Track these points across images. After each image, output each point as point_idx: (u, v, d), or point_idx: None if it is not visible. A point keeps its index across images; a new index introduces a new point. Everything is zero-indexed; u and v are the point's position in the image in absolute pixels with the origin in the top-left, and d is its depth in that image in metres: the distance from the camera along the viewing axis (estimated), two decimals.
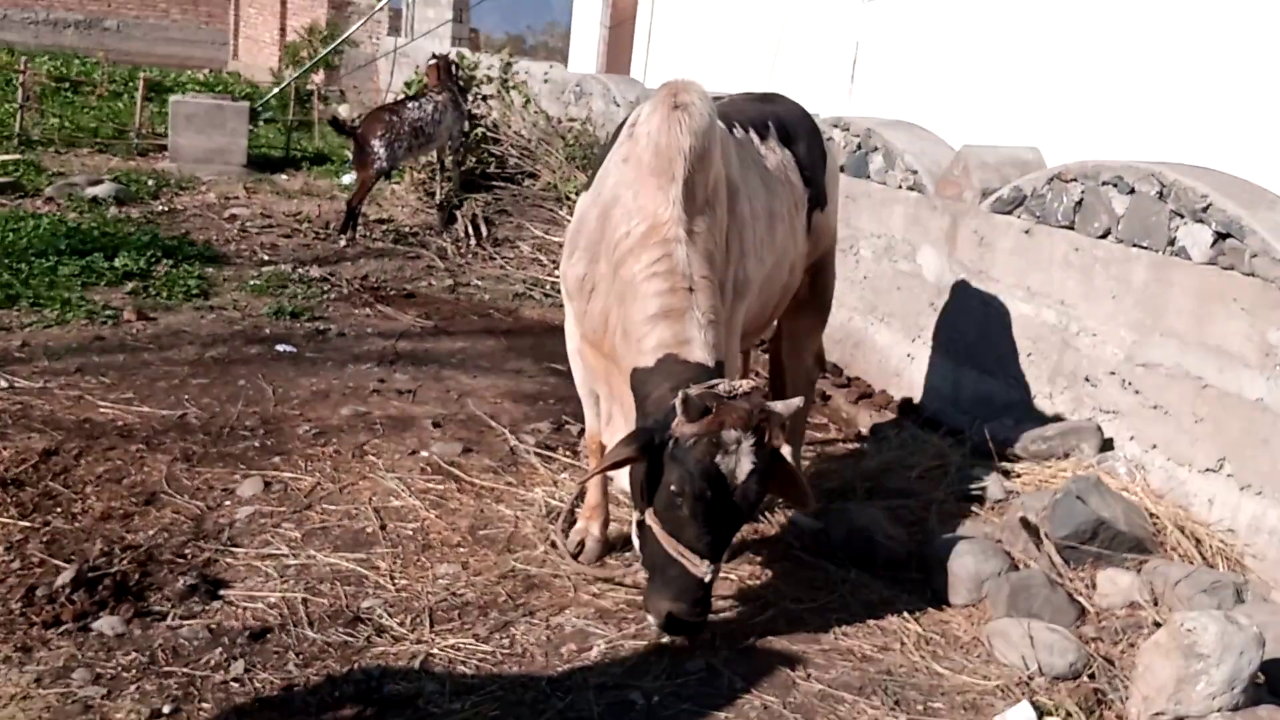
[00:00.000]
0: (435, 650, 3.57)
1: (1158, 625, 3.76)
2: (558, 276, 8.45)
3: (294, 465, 4.84)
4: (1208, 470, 4.67)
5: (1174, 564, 4.29)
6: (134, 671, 3.32)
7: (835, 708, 3.44)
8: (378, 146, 9.11)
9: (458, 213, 9.32)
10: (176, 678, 3.31)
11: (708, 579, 3.45)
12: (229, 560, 4.04)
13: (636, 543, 3.68)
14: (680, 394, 3.33)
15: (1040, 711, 3.48)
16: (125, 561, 3.90)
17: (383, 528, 4.36)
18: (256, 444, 5.03)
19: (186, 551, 4.06)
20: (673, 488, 3.37)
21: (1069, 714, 3.48)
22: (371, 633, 3.65)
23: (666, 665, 3.58)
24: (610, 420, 3.99)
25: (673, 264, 3.63)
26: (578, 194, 8.87)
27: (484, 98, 10.19)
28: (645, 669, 3.55)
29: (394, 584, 3.96)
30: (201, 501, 4.46)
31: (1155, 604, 4.12)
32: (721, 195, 3.88)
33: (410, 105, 9.43)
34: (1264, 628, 3.84)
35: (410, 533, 4.36)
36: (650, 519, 3.48)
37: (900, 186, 6.50)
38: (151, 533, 4.16)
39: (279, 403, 5.55)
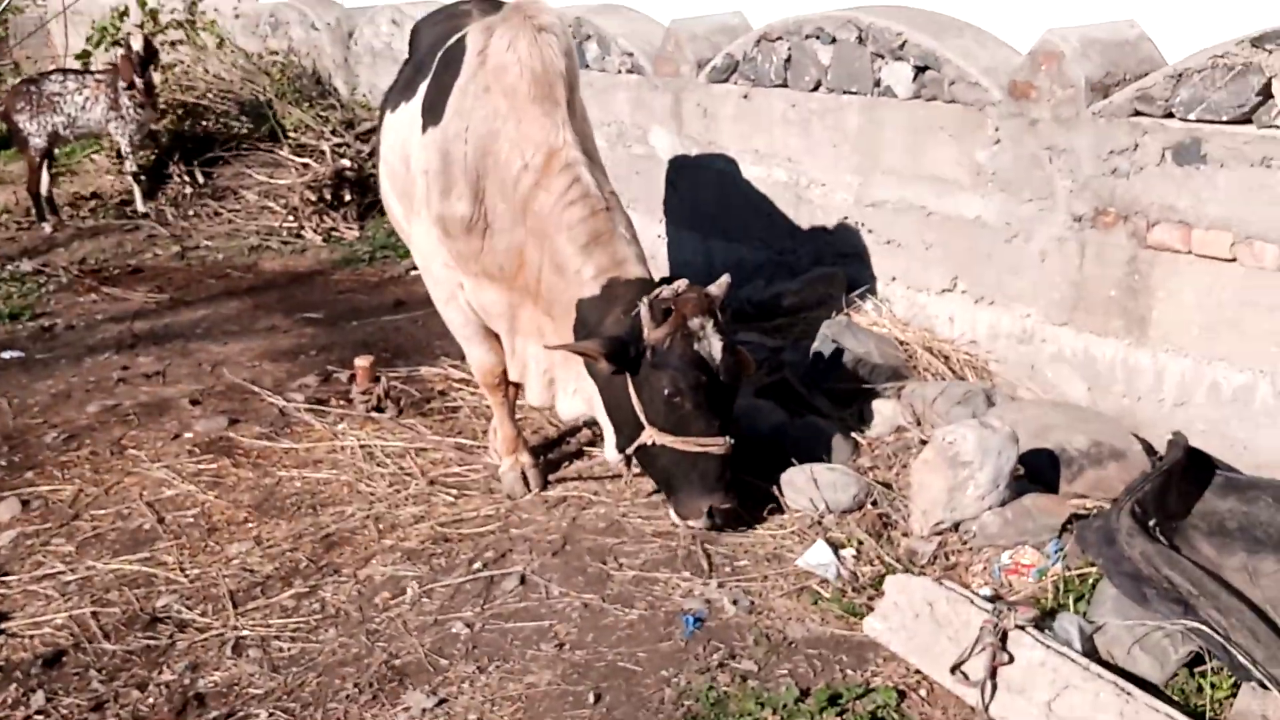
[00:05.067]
0: (246, 631, 3.48)
1: (923, 443, 4.05)
2: (292, 223, 8.15)
3: (49, 477, 4.52)
4: (944, 291, 5.01)
5: (928, 384, 4.62)
6: None
7: (651, 588, 3.57)
8: (23, 122, 8.22)
9: (170, 170, 8.71)
10: None
11: (728, 454, 3.66)
12: (1, 591, 3.77)
13: (632, 471, 3.91)
14: (643, 303, 3.52)
15: (835, 546, 3.72)
16: None
17: (161, 521, 4.16)
18: (3, 463, 4.67)
19: None
20: (668, 390, 3.57)
21: (860, 542, 3.73)
22: (174, 630, 3.51)
23: (482, 590, 3.61)
24: (515, 354, 4.04)
25: (584, 188, 3.72)
26: (296, 130, 8.58)
27: (172, 43, 9.47)
28: (463, 599, 3.58)
29: (186, 575, 3.81)
30: None
31: (918, 424, 4.43)
32: (582, 107, 3.97)
33: (53, 78, 8.42)
34: (1014, 425, 4.19)
35: (192, 519, 4.18)
36: (654, 434, 3.63)
37: (619, 71, 6.52)
38: None
39: (17, 414, 5.14)
